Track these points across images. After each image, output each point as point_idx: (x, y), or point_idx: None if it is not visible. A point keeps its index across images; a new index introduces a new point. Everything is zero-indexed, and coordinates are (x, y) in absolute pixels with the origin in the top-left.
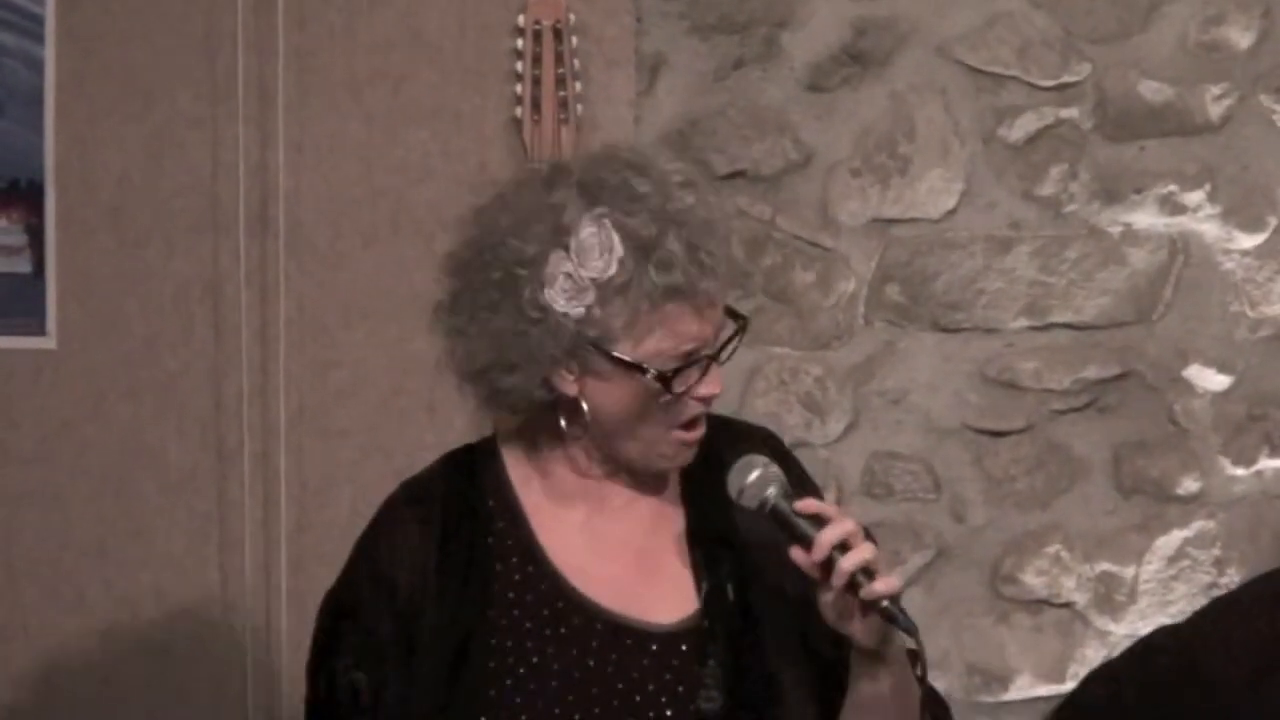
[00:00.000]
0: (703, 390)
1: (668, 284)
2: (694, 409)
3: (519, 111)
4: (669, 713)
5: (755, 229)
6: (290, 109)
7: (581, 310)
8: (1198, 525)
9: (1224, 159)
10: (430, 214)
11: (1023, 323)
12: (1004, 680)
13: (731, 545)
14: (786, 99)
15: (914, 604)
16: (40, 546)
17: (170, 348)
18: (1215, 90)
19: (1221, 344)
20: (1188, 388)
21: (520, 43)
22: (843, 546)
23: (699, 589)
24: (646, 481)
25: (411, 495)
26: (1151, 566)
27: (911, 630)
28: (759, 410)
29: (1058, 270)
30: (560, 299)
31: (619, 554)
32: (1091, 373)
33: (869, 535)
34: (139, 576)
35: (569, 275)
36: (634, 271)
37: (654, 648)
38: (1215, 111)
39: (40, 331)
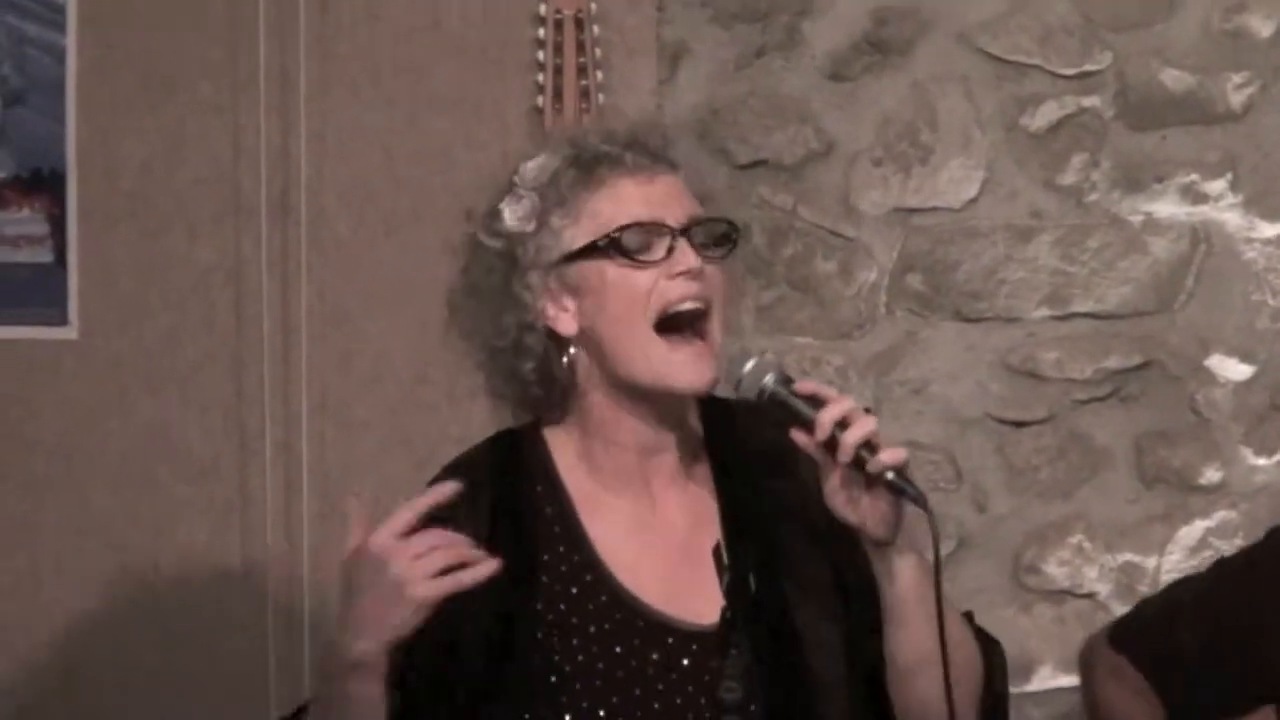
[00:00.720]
0: (676, 264)
1: (592, 156)
2: (673, 290)
3: (540, 100)
4: (708, 715)
5: (777, 218)
6: (312, 98)
7: (532, 226)
8: (1220, 515)
9: (1245, 148)
10: (452, 203)
11: (1044, 312)
12: (1026, 670)
13: (762, 532)
14: (808, 88)
15: None
16: (62, 536)
17: (192, 337)
18: (1237, 79)
19: (1243, 333)
20: (1209, 377)
21: (542, 32)
22: (843, 425)
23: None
24: (683, 456)
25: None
26: (1174, 556)
27: (920, 500)
28: None
29: (1079, 259)
30: (512, 220)
31: (663, 549)
32: (1113, 362)
33: (870, 414)
34: (161, 566)
35: (515, 197)
36: (566, 167)
37: (694, 647)
38: (1237, 100)
39: (62, 321)
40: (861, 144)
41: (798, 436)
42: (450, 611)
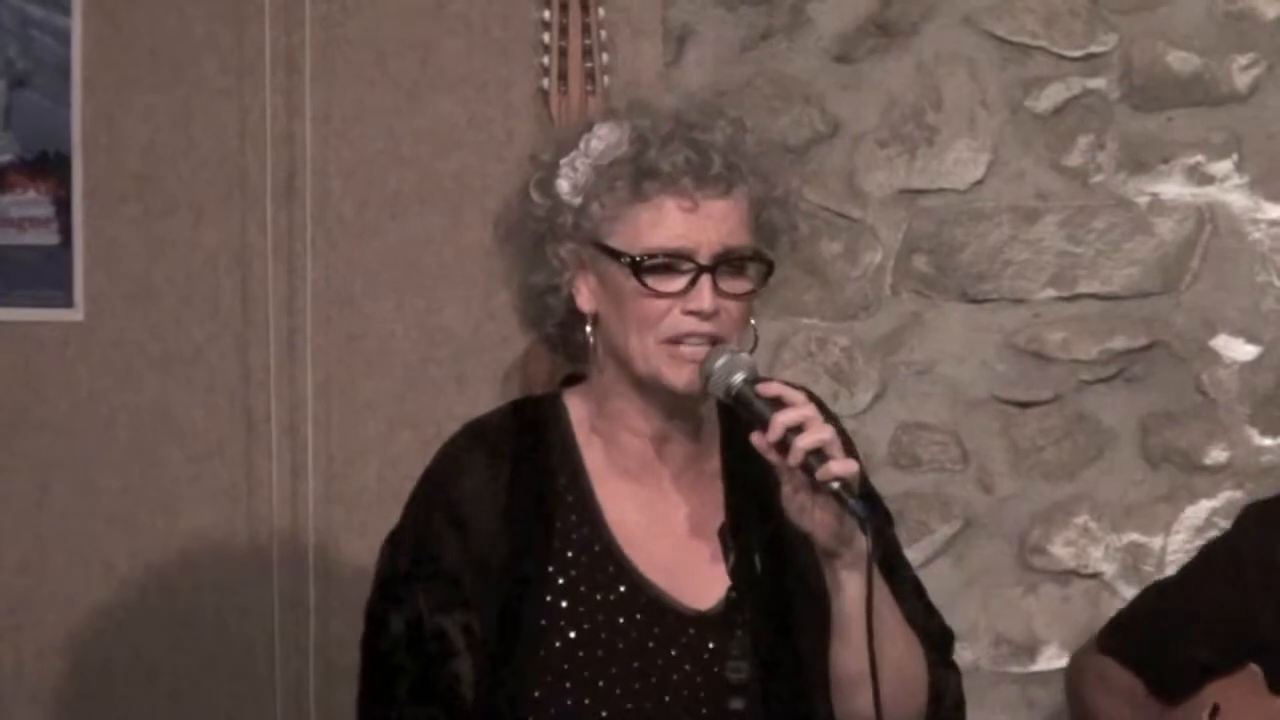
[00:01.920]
0: (689, 302)
1: (649, 168)
2: (683, 325)
3: (545, 82)
4: (702, 694)
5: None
6: (317, 79)
7: (580, 199)
8: (1225, 495)
9: (1251, 129)
10: (457, 184)
11: (1050, 293)
12: (1031, 651)
13: (765, 524)
14: (814, 70)
15: (942, 574)
16: (68, 517)
17: (197, 319)
18: (1242, 60)
19: (1249, 314)
20: (1215, 358)
21: (547, 13)
22: (798, 430)
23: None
24: (694, 445)
25: (479, 436)
26: (1179, 537)
27: (858, 515)
28: None
29: (1085, 240)
30: (565, 186)
31: (669, 531)
32: (1119, 343)
33: (842, 432)
34: (166, 547)
35: (574, 165)
36: (626, 159)
37: (692, 630)
38: (1242, 81)
39: (68, 303)
40: (867, 126)
41: (755, 438)
42: (484, 574)
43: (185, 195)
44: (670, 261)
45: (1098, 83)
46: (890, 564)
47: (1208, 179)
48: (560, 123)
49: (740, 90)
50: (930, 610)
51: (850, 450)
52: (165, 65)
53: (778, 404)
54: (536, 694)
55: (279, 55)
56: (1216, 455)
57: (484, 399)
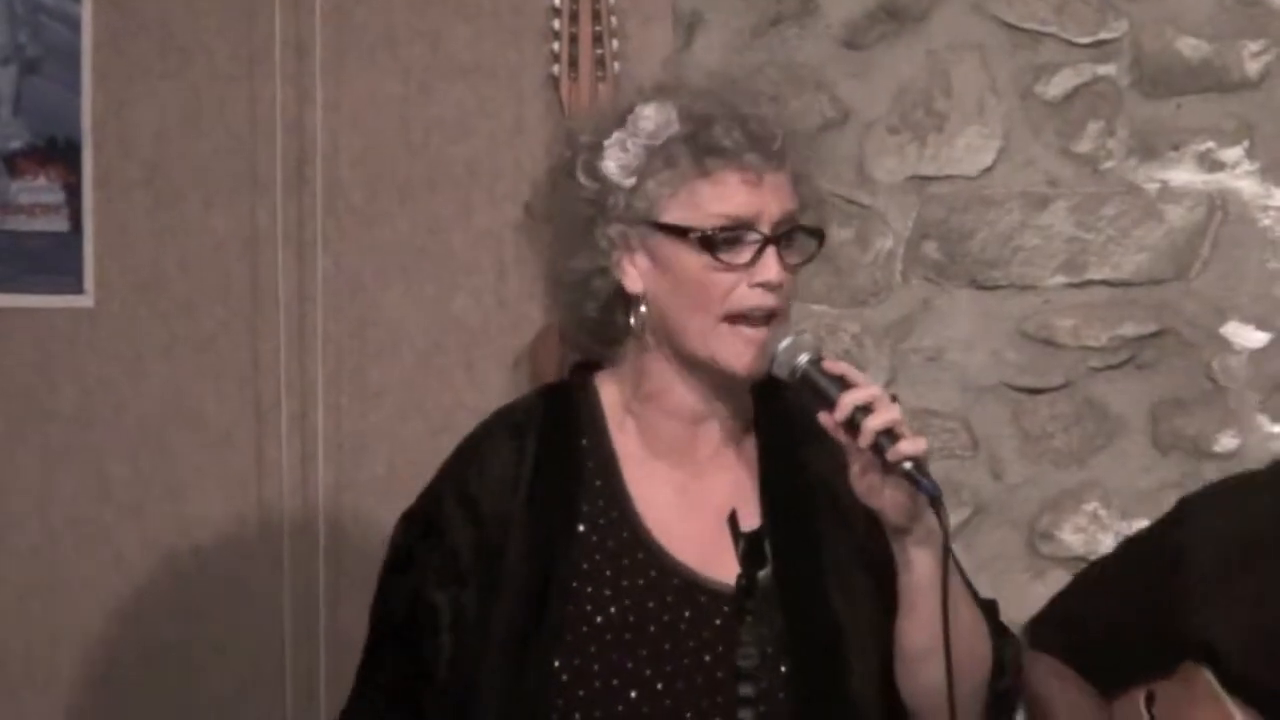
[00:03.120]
0: (758, 273)
1: (710, 144)
2: (753, 297)
3: (556, 69)
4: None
5: None
6: (327, 66)
7: (632, 180)
8: None
9: (1262, 115)
10: (467, 171)
11: (1060, 280)
12: None
13: (798, 508)
14: (823, 56)
15: None
16: (78, 504)
17: (208, 306)
18: (1253, 46)
19: (1259, 301)
20: (1225, 345)
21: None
22: (867, 410)
23: (771, 552)
24: (731, 427)
25: (508, 423)
26: None
27: (933, 493)
28: None
29: (1095, 227)
30: (614, 167)
31: (701, 513)
32: (1129, 330)
33: (895, 402)
34: (176, 534)
35: (624, 145)
36: (684, 138)
37: (725, 609)
38: (1253, 68)
39: (78, 290)
40: (877, 112)
41: (823, 418)
42: (492, 557)
43: (195, 182)
44: (737, 234)
45: (1108, 69)
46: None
47: (1218, 165)
48: (570, 110)
49: (750, 77)
50: (971, 586)
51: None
52: (175, 52)
53: (843, 383)
54: (565, 677)
55: (289, 42)
56: (1226, 442)
57: (493, 386)
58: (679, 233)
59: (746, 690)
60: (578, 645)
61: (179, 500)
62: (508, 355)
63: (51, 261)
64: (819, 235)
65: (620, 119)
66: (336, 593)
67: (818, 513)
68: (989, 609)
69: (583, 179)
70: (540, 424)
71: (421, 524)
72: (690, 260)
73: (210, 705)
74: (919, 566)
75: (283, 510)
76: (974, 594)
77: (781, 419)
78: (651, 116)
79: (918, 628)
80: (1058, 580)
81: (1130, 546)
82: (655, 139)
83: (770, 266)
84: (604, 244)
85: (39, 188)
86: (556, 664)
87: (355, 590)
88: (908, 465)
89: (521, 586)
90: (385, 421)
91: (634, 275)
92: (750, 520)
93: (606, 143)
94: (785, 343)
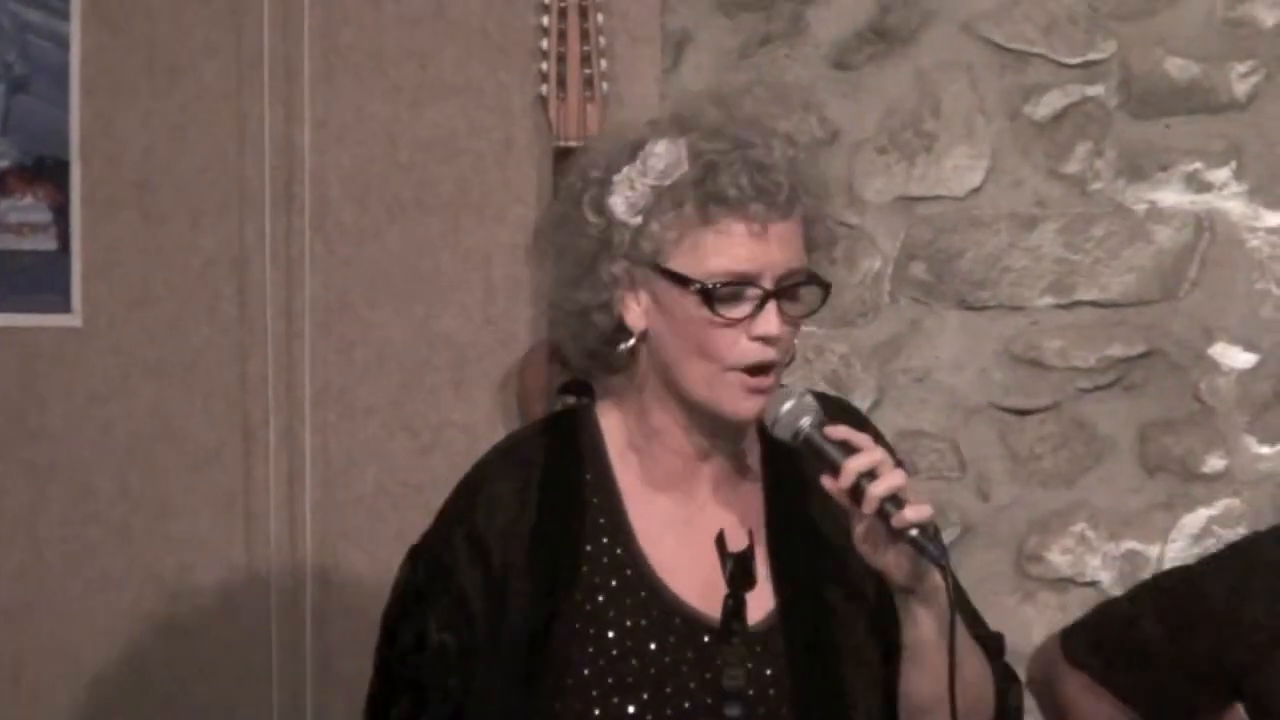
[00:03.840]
0: (757, 327)
1: (717, 193)
2: (751, 351)
3: (544, 89)
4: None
5: None
6: (316, 85)
7: (639, 220)
8: (1223, 503)
9: (1250, 136)
10: (456, 190)
11: (1048, 300)
12: (1028, 658)
13: (805, 542)
14: (812, 76)
15: None
16: (65, 523)
17: (195, 325)
18: (1241, 68)
19: (1247, 322)
20: (1213, 365)
21: (546, 19)
22: (871, 475)
23: (776, 588)
24: (734, 462)
25: (511, 460)
26: (1177, 545)
27: (939, 560)
28: None
29: (1083, 248)
30: (621, 204)
31: (706, 548)
32: (1117, 350)
33: (901, 467)
34: (164, 554)
35: (632, 183)
36: (692, 182)
37: (696, 657)
38: (1241, 89)
39: (65, 309)
40: (866, 132)
41: (827, 482)
42: (498, 598)
43: (184, 201)
44: (737, 289)
45: (1096, 90)
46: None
47: (1206, 186)
48: (558, 129)
49: (739, 97)
50: (977, 617)
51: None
52: (164, 71)
53: (846, 448)
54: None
55: (278, 61)
56: (1214, 463)
57: (481, 405)
58: (680, 280)
59: (734, 712)
60: (579, 689)
61: (167, 519)
62: (496, 374)
63: (39, 280)
64: (825, 286)
65: (632, 153)
66: (323, 610)
67: (823, 549)
68: (994, 648)
69: (590, 214)
70: (544, 461)
71: (431, 564)
72: (690, 309)
73: None
74: (923, 623)
75: (270, 529)
76: (979, 629)
77: (787, 453)
78: (662, 155)
79: (924, 681)
80: (1046, 601)
81: (1178, 585)
82: (664, 179)
83: (770, 321)
84: (607, 279)
85: (27, 206)
86: (558, 707)
87: (342, 609)
88: (913, 532)
89: (524, 628)
90: (373, 440)
91: (636, 312)
92: (759, 556)
93: (616, 178)
94: (787, 406)
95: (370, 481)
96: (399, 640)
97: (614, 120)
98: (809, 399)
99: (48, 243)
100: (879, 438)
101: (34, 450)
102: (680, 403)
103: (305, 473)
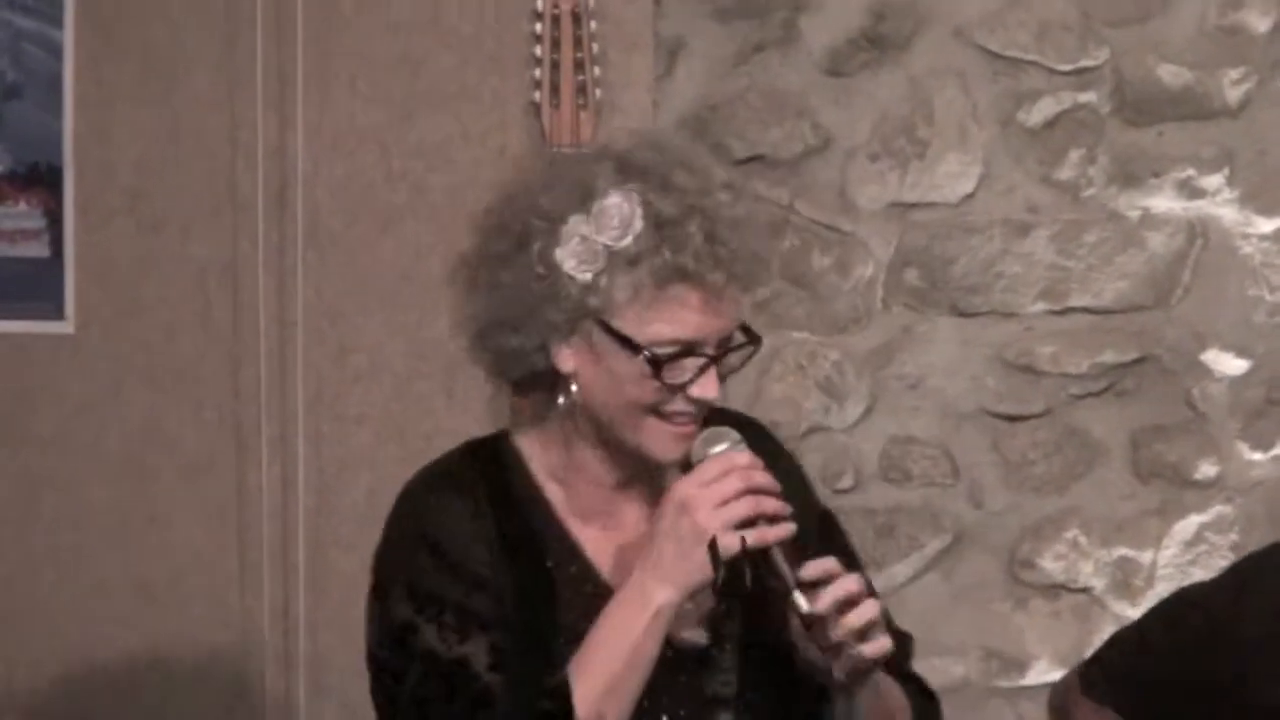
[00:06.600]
0: (695, 390)
1: (676, 264)
2: (684, 407)
3: (537, 96)
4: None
5: (773, 213)
6: (309, 93)
7: (589, 277)
8: (1216, 510)
9: (1242, 143)
10: (449, 198)
11: (1041, 307)
12: (1021, 665)
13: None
14: (805, 83)
15: (931, 589)
16: (58, 531)
17: (188, 332)
18: (1234, 74)
19: (1239, 328)
20: (1206, 372)
21: (539, 27)
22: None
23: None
24: (657, 494)
25: (443, 477)
26: (1169, 551)
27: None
28: (776, 394)
29: (1076, 254)
30: (570, 260)
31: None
32: (1109, 357)
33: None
34: (157, 561)
35: (584, 239)
36: (646, 246)
37: (688, 664)
38: (1233, 96)
39: (58, 316)
40: (858, 139)
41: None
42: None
43: (176, 208)
44: (681, 356)
45: (1089, 96)
46: (847, 564)
47: (1199, 193)
48: (551, 137)
49: (732, 104)
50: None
51: (797, 478)
52: (157, 78)
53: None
54: None
55: (270, 68)
56: (1207, 470)
57: (473, 413)
58: (626, 342)
59: (725, 717)
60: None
61: (159, 526)
62: (488, 383)
63: (32, 287)
64: (757, 341)
65: (581, 201)
66: (316, 618)
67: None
68: (904, 646)
69: (536, 264)
70: (476, 476)
71: (407, 594)
72: (630, 368)
73: None
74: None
75: (263, 536)
76: (892, 633)
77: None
78: (614, 211)
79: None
80: (1038, 608)
81: (1188, 612)
82: (618, 240)
83: (710, 385)
84: (544, 327)
85: (20, 214)
86: None
87: (335, 616)
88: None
89: (511, 655)
90: (366, 447)
91: (567, 355)
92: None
93: (564, 229)
94: (718, 449)
95: (363, 489)
96: (408, 679)
97: (607, 128)
98: (743, 445)
99: (40, 250)
100: (795, 470)
101: (26, 457)
102: (604, 440)
103: (298, 480)
